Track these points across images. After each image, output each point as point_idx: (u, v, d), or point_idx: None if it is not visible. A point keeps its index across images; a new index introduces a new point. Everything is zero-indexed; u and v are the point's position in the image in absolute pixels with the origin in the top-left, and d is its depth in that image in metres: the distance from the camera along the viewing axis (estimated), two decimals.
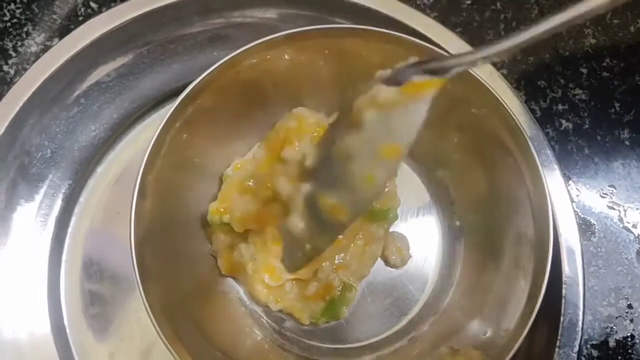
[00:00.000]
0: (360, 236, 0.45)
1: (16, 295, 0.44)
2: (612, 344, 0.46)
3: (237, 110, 0.44)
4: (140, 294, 0.36)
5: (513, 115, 0.38)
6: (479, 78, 0.39)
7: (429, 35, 0.46)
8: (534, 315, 0.36)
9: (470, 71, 0.39)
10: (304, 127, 0.43)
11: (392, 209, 0.46)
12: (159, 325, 0.36)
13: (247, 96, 0.43)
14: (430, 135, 0.45)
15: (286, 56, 0.41)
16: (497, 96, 0.39)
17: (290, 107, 0.45)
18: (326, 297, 0.44)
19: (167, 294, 0.39)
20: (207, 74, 0.39)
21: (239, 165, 0.46)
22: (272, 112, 0.45)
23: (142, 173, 0.38)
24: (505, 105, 0.39)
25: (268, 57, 0.41)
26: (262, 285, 0.44)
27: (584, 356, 0.45)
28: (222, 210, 0.44)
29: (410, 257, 0.46)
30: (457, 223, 0.46)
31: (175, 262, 0.42)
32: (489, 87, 0.39)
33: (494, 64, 0.48)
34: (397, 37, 0.40)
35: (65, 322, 0.45)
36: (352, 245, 0.44)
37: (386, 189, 0.46)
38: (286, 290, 0.44)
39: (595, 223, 0.48)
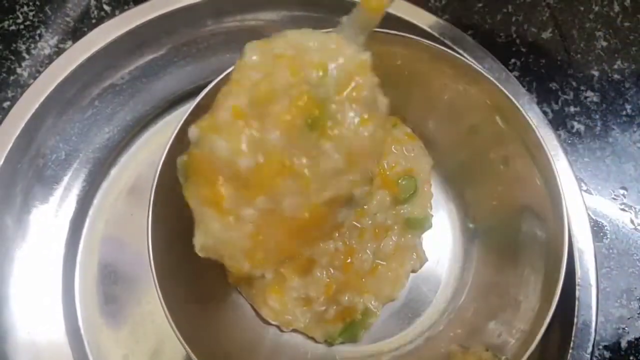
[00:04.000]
0: (394, 252, 0.44)
1: (31, 297, 0.45)
2: (624, 345, 0.46)
3: None
4: (159, 296, 0.36)
5: (527, 116, 0.39)
6: (492, 80, 0.39)
7: (441, 37, 0.46)
8: (549, 316, 0.36)
9: (484, 73, 0.39)
10: None
11: (428, 217, 0.46)
12: (177, 326, 0.36)
13: None
14: (443, 139, 0.46)
15: None
16: (511, 98, 0.39)
17: None
18: (346, 319, 0.43)
19: (184, 295, 0.39)
20: (224, 76, 0.39)
21: None
22: None
23: (159, 175, 0.38)
24: (519, 107, 0.39)
25: None
26: (269, 309, 0.43)
27: (596, 357, 0.45)
28: None
29: (427, 260, 0.46)
30: (471, 225, 0.46)
31: (191, 264, 0.42)
32: (502, 89, 0.39)
33: (507, 66, 0.48)
34: (412, 40, 0.40)
35: (80, 324, 0.45)
36: (382, 268, 0.44)
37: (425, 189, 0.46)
38: (297, 315, 0.43)
39: (607, 225, 0.48)
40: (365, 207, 0.42)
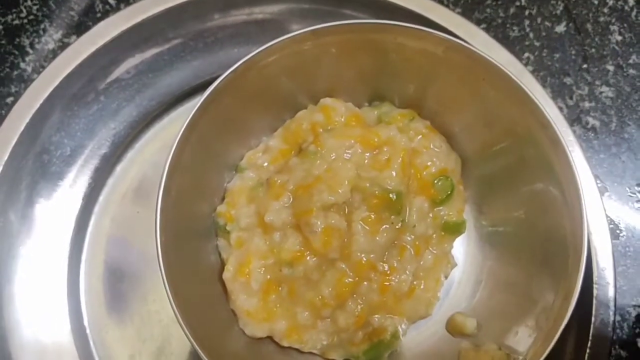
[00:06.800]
0: (433, 266, 0.43)
1: (36, 295, 0.44)
2: None
3: (260, 105, 0.43)
4: (168, 295, 0.35)
5: (545, 112, 0.38)
6: (511, 76, 0.38)
7: (454, 31, 0.45)
8: (568, 315, 0.35)
9: (503, 68, 0.38)
10: (333, 117, 0.42)
11: (465, 220, 0.45)
12: (186, 326, 0.35)
13: (270, 91, 0.43)
14: (458, 133, 0.45)
15: (312, 51, 0.41)
16: (529, 92, 0.38)
17: (314, 100, 0.44)
18: (373, 339, 0.42)
19: (193, 294, 0.38)
20: (233, 70, 0.38)
21: (251, 157, 0.45)
22: (295, 105, 0.45)
23: (167, 173, 0.37)
24: (538, 102, 0.38)
25: (293, 52, 0.40)
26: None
27: (612, 356, 0.44)
28: (228, 215, 0.43)
29: (456, 264, 0.45)
30: (484, 222, 0.45)
31: (199, 261, 0.42)
32: (521, 84, 0.38)
33: (520, 60, 0.47)
34: (426, 33, 0.39)
35: (86, 323, 0.44)
36: (419, 290, 0.43)
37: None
38: (315, 341, 0.41)
39: (622, 223, 0.47)
40: (405, 221, 0.41)
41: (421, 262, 0.42)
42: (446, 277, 0.44)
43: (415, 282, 0.42)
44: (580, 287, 0.36)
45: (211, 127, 0.40)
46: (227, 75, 0.39)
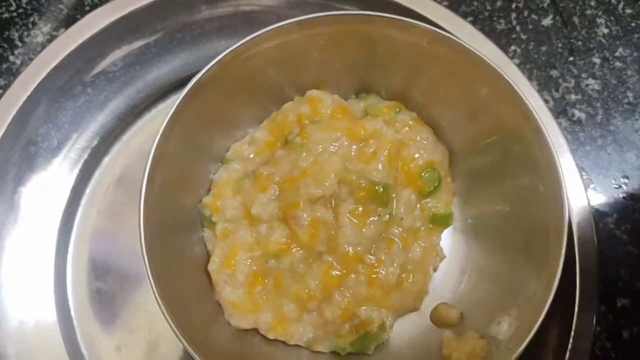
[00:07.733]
0: (422, 259, 0.43)
1: (23, 286, 0.44)
2: (625, 336, 0.45)
3: (246, 97, 0.43)
4: (152, 285, 0.35)
5: (528, 103, 0.38)
6: (494, 66, 0.38)
7: (441, 23, 0.45)
8: (548, 304, 0.36)
9: (486, 59, 0.39)
10: (319, 109, 0.42)
11: (452, 212, 0.45)
12: (170, 316, 0.35)
13: (256, 82, 0.43)
14: (445, 126, 0.45)
15: (297, 43, 0.41)
16: (513, 84, 0.38)
17: (300, 91, 0.44)
18: (360, 331, 0.41)
19: (177, 284, 0.38)
20: (217, 62, 0.39)
21: (237, 148, 0.45)
22: (281, 97, 0.45)
23: (151, 164, 0.37)
24: (521, 93, 0.38)
25: (278, 44, 0.40)
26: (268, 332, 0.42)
27: (597, 348, 0.44)
28: (214, 206, 0.43)
29: (445, 257, 0.45)
30: (469, 214, 0.45)
31: (185, 253, 0.42)
32: (505, 75, 0.38)
33: (507, 53, 0.47)
34: (411, 24, 0.39)
35: (72, 314, 0.45)
36: (407, 283, 0.42)
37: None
38: (301, 332, 0.41)
39: (608, 213, 0.47)
40: (392, 213, 0.41)
41: (409, 255, 0.42)
42: (435, 270, 0.44)
43: (403, 275, 0.42)
44: (564, 277, 0.36)
45: (196, 118, 0.40)
46: (211, 67, 0.39)
